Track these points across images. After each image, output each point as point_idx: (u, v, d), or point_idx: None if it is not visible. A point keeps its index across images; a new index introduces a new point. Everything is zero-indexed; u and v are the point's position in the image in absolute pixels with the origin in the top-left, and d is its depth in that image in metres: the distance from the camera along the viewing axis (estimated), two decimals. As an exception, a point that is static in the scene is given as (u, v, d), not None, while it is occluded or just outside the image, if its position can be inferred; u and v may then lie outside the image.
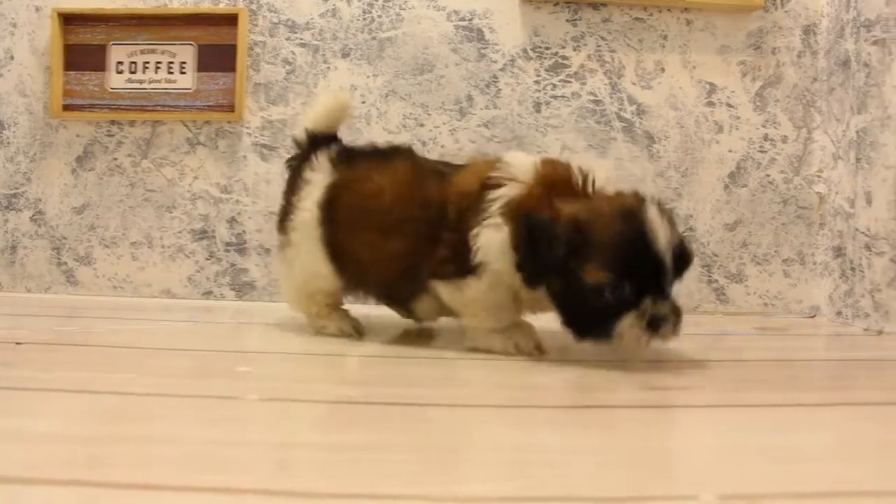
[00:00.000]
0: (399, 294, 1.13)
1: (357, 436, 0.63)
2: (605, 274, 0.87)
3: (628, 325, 0.89)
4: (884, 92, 1.35)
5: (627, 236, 0.88)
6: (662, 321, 0.88)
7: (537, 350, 1.01)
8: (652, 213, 0.89)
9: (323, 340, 1.13)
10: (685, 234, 1.04)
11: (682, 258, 0.91)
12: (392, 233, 1.03)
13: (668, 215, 0.92)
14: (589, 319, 0.91)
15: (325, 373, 0.92)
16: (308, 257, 1.11)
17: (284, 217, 1.16)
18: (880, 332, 1.33)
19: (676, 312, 0.91)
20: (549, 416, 0.72)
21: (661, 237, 0.88)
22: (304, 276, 1.13)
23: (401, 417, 0.69)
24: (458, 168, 1.05)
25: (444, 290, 1.01)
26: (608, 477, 0.53)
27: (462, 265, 0.97)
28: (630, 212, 0.90)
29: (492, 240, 0.95)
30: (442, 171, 1.05)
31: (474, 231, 0.96)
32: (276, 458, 0.57)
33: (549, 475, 0.53)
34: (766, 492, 0.50)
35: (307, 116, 1.20)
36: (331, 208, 1.08)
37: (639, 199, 0.92)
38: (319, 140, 1.16)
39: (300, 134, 1.19)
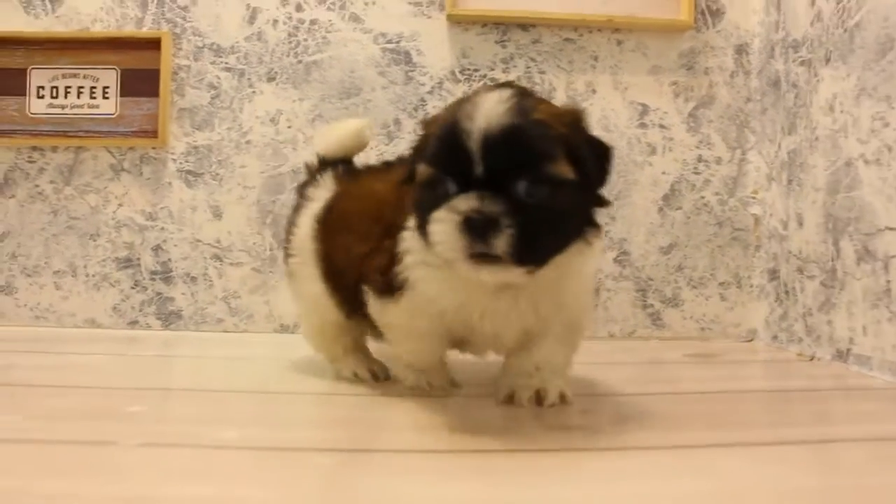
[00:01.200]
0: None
1: (209, 487, 0.60)
2: (426, 169, 0.75)
3: (435, 222, 0.72)
4: (811, 113, 1.33)
5: (447, 124, 0.74)
6: (489, 226, 0.69)
7: (452, 385, 0.96)
8: (484, 97, 0.73)
9: (239, 376, 1.10)
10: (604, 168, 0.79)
11: (509, 142, 0.71)
12: (364, 236, 0.91)
13: (524, 101, 0.74)
14: (426, 224, 0.75)
15: (222, 413, 0.88)
16: (307, 280, 1.02)
17: (287, 242, 1.09)
18: (812, 358, 1.30)
19: (521, 217, 0.70)
20: (416, 463, 0.69)
21: (478, 118, 0.71)
22: (308, 304, 1.06)
23: (269, 465, 0.66)
24: None
25: (371, 303, 0.89)
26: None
27: (390, 280, 0.85)
28: (465, 99, 0.75)
29: (412, 241, 0.82)
30: None
31: (402, 234, 0.84)
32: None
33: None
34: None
35: (319, 142, 1.14)
36: (325, 219, 1.00)
37: (496, 88, 0.76)
38: (329, 164, 1.09)
39: (312, 160, 1.13)
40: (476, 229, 0.69)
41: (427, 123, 0.82)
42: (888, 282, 1.12)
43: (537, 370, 0.89)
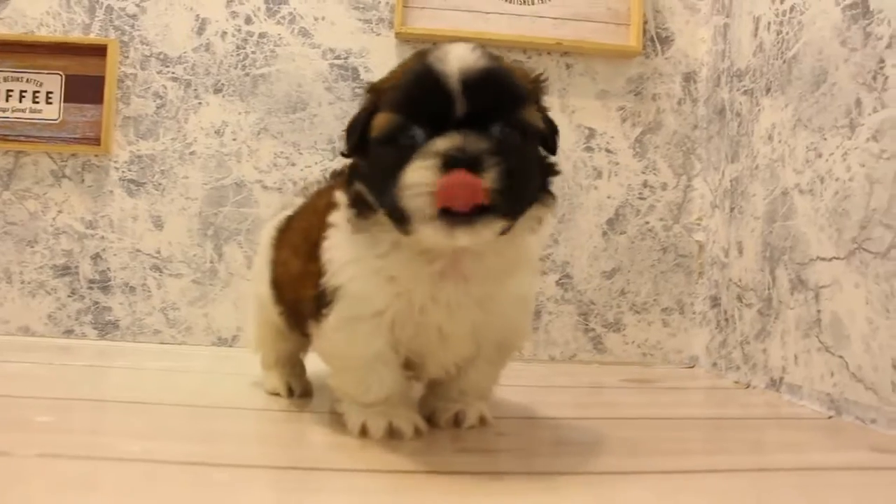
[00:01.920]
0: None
1: (95, 499, 0.59)
2: (388, 116, 0.68)
3: (412, 171, 0.65)
4: (753, 142, 1.34)
5: (412, 70, 0.69)
6: (475, 162, 0.63)
7: (417, 428, 0.81)
8: (450, 46, 0.69)
9: (169, 388, 1.09)
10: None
11: (488, 82, 0.67)
12: (295, 250, 0.88)
13: (487, 52, 0.70)
14: (385, 184, 0.68)
15: (134, 425, 0.86)
16: (260, 281, 1.01)
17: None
18: (748, 386, 1.30)
19: (503, 154, 0.64)
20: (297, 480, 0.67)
21: (452, 60, 0.66)
22: (256, 303, 1.04)
23: (165, 479, 0.64)
24: None
25: (313, 335, 0.81)
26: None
27: (320, 297, 0.77)
28: (425, 52, 0.70)
29: (338, 242, 0.76)
30: None
31: (323, 246, 0.77)
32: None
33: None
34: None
35: None
36: (282, 229, 0.97)
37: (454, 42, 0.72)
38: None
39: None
40: (465, 167, 0.63)
41: (376, 86, 0.74)
42: (818, 311, 1.12)
43: (461, 394, 0.87)
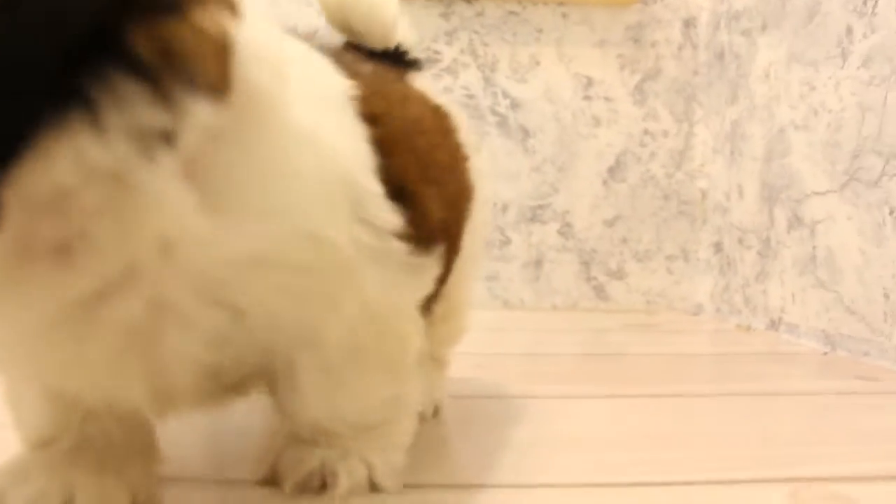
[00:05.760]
0: None
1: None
2: None
3: None
4: (750, 83, 1.32)
5: None
6: None
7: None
8: None
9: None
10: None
11: None
12: None
13: None
14: None
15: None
16: None
17: None
18: (748, 328, 1.30)
19: None
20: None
21: None
22: None
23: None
24: None
25: None
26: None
27: None
28: None
29: None
30: None
31: None
32: None
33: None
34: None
35: None
36: None
37: None
38: None
39: None
40: None
41: None
42: (814, 248, 1.11)
43: (322, 433, 0.46)
